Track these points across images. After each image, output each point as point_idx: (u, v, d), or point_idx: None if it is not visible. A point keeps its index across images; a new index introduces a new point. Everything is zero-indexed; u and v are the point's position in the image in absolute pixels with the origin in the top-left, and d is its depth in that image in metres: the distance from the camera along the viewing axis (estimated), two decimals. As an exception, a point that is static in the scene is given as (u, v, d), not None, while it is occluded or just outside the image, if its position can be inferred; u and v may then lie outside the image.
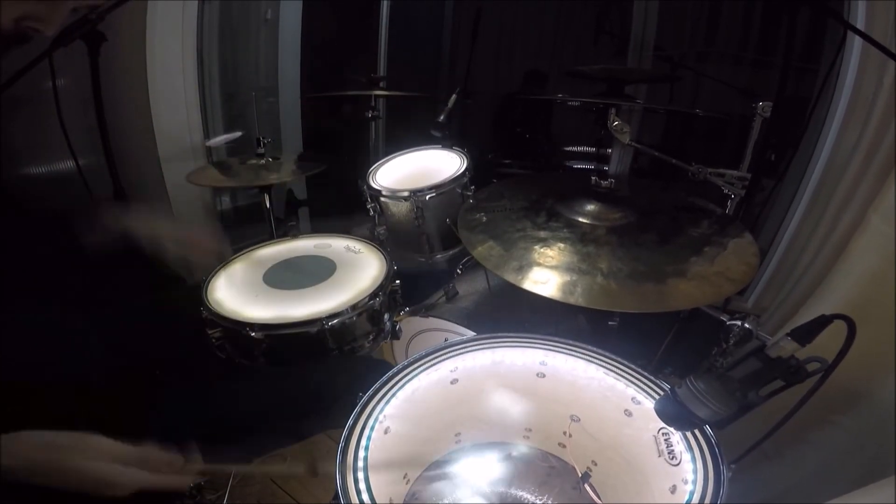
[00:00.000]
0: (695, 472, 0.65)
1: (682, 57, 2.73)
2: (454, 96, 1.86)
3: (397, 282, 1.18)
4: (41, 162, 1.80)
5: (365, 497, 0.60)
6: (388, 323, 1.16)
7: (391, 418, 0.75)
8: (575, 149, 2.85)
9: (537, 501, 0.84)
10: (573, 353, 0.86)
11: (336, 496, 0.61)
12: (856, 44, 1.63)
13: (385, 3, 2.93)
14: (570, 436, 0.88)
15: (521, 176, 2.69)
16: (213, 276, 1.17)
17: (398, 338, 1.22)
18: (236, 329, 1.01)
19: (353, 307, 1.05)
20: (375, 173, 1.59)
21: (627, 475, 0.81)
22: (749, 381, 0.59)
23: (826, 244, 1.62)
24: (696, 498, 0.62)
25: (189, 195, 2.05)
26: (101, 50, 1.38)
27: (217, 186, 2.15)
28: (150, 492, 0.64)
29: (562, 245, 0.93)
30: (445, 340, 0.88)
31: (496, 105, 3.33)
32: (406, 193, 1.41)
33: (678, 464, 0.70)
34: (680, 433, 0.71)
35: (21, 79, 0.96)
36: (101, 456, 0.63)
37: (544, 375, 0.88)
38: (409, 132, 2.08)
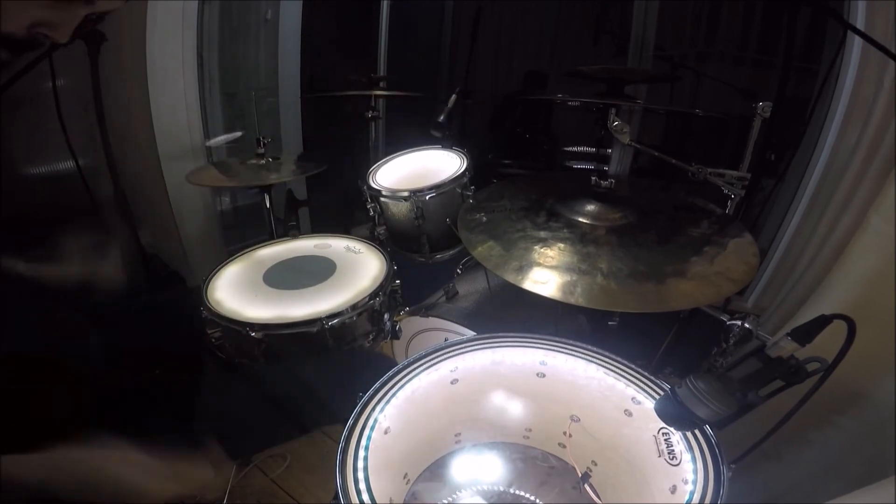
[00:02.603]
0: (695, 472, 0.65)
1: (683, 57, 2.73)
2: (454, 96, 1.86)
3: (397, 281, 1.18)
4: (41, 162, 1.80)
5: (365, 497, 0.60)
6: (388, 323, 1.16)
7: (391, 418, 0.75)
8: (575, 149, 2.84)
9: (537, 501, 0.84)
10: (573, 353, 0.86)
11: (336, 496, 0.61)
12: (856, 44, 1.63)
13: (385, 3, 2.93)
14: (570, 436, 0.88)
15: (521, 176, 2.69)
16: (213, 276, 1.17)
17: (398, 337, 1.22)
18: (236, 329, 1.01)
19: (354, 307, 1.05)
20: (375, 173, 1.59)
21: (627, 475, 0.81)
22: (749, 381, 0.59)
23: (826, 244, 1.62)
24: (696, 498, 0.62)
25: (189, 195, 2.05)
26: (101, 50, 1.38)
27: (217, 186, 2.15)
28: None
29: (562, 245, 0.93)
30: (445, 340, 0.88)
31: (496, 105, 3.33)
32: (406, 193, 1.41)
33: (678, 464, 0.70)
34: (680, 433, 0.71)
35: (21, 79, 0.96)
36: (134, 469, 0.63)
37: (544, 375, 0.88)
38: (409, 132, 2.08)
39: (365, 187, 1.53)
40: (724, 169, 1.16)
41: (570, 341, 0.87)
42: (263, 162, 1.76)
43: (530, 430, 0.93)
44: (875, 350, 0.95)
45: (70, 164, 1.59)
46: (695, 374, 0.61)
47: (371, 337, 1.12)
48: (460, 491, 0.85)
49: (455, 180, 1.44)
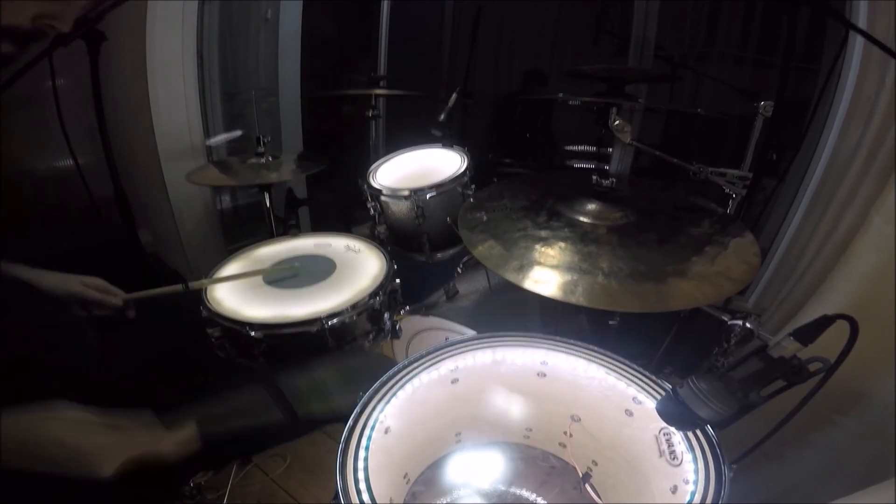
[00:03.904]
0: (696, 472, 0.65)
1: (683, 57, 2.73)
2: (454, 95, 1.86)
3: (397, 281, 1.18)
4: (41, 162, 1.80)
5: (365, 497, 0.60)
6: (388, 322, 1.15)
7: (391, 418, 0.75)
8: (575, 148, 2.85)
9: (537, 501, 0.84)
10: (574, 352, 0.86)
11: (336, 496, 0.61)
12: (857, 43, 1.63)
13: (385, 3, 2.93)
14: (571, 435, 0.88)
15: (521, 175, 2.68)
16: (212, 276, 1.17)
17: (398, 337, 1.21)
18: (236, 328, 1.01)
19: (353, 306, 1.05)
20: (376, 172, 1.59)
21: (628, 475, 0.81)
22: (751, 381, 0.59)
23: (827, 244, 1.61)
24: (697, 498, 0.62)
25: (189, 194, 2.05)
26: (101, 50, 1.37)
27: (217, 185, 2.15)
28: (138, 466, 0.63)
29: (563, 244, 0.92)
30: (446, 340, 0.88)
31: (497, 104, 3.33)
32: (406, 192, 1.41)
33: (679, 464, 0.70)
34: (681, 433, 0.71)
35: (21, 79, 0.96)
36: (73, 425, 0.62)
37: (545, 375, 0.88)
38: (409, 131, 2.07)
39: (365, 186, 1.53)
40: (725, 168, 1.16)
41: (571, 341, 0.87)
42: (263, 161, 1.76)
43: (531, 429, 0.92)
44: (876, 350, 0.95)
45: (70, 163, 1.59)
46: (696, 373, 0.61)
47: (371, 336, 1.12)
48: (460, 491, 0.85)
49: (456, 179, 1.44)
